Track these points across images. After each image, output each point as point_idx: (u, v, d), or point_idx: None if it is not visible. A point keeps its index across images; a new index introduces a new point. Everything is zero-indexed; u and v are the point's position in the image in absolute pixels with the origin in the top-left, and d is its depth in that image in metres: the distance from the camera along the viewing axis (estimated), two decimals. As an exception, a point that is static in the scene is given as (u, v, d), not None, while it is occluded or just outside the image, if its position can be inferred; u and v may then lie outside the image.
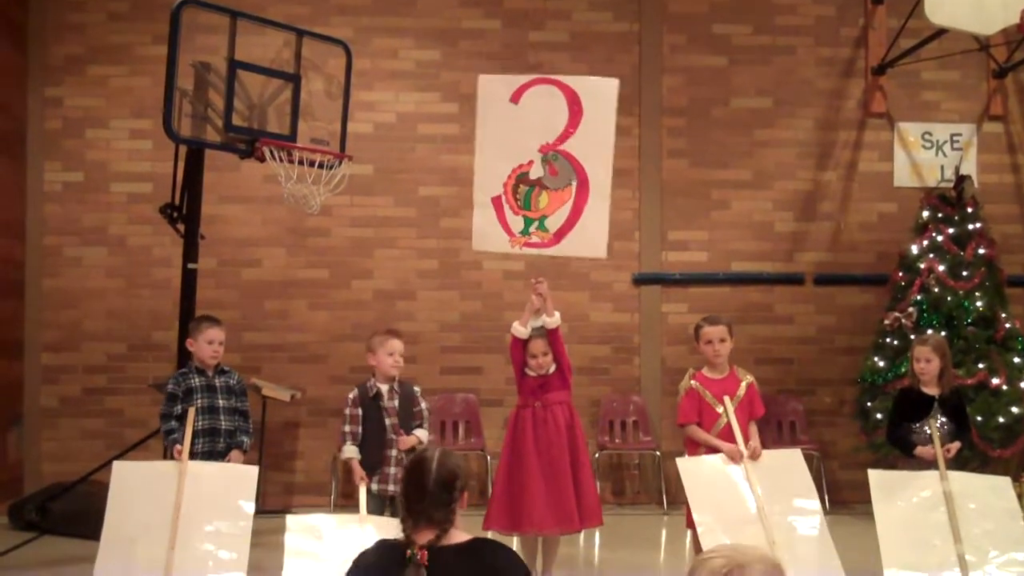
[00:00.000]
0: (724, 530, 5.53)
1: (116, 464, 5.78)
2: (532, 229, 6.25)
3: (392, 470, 6.10)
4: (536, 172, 6.22)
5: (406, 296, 9.70)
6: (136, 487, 5.64)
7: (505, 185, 6.22)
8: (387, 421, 6.19)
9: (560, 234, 6.25)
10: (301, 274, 9.76)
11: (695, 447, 6.18)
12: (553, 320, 6.36)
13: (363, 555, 3.31)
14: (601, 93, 6.26)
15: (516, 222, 6.25)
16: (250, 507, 5.69)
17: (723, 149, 10.07)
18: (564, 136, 6.19)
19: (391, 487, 6.06)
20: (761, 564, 2.48)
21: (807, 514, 5.78)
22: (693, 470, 5.95)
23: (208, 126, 8.01)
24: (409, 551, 3.13)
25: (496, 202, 6.24)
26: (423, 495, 3.23)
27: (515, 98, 6.22)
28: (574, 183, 6.21)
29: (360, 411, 6.21)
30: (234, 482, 5.77)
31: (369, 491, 6.05)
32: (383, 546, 3.30)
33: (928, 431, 6.15)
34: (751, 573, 2.44)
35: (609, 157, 6.27)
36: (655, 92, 9.96)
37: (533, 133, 6.20)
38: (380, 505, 6.08)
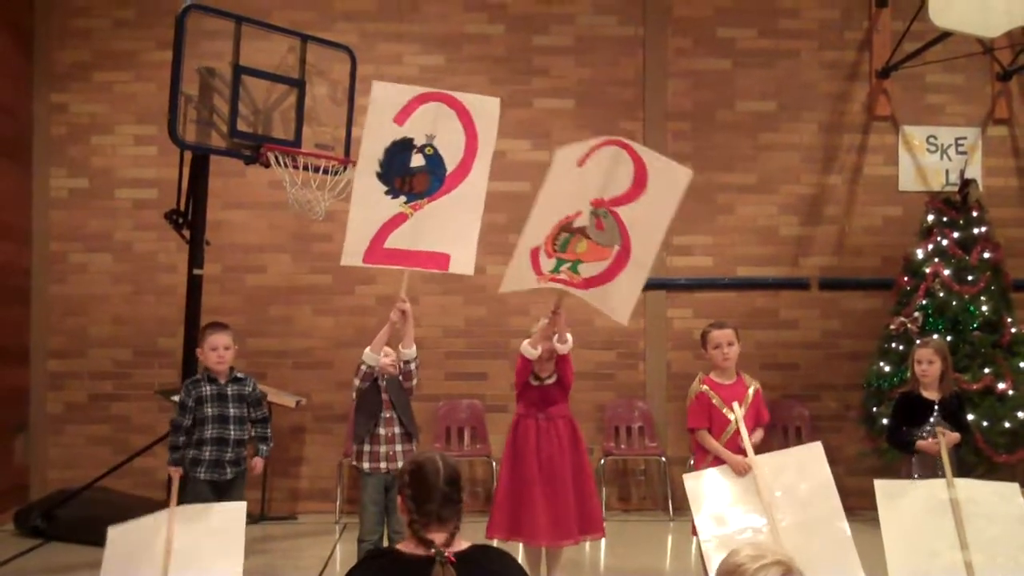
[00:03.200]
0: (730, 544, 5.47)
1: (110, 531, 5.66)
2: (563, 268, 6.01)
3: (383, 448, 6.27)
4: (581, 222, 5.93)
5: (410, 302, 9.65)
6: (130, 547, 5.60)
7: (547, 237, 5.90)
8: (382, 396, 6.34)
9: (590, 283, 6.04)
10: (306, 280, 9.77)
11: (703, 453, 6.15)
12: (565, 347, 6.29)
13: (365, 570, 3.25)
14: (671, 179, 5.97)
15: (548, 264, 5.99)
16: (240, 545, 5.62)
17: (728, 153, 10.07)
18: (621, 201, 5.91)
19: (383, 464, 6.26)
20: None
21: (825, 515, 5.73)
22: (699, 488, 5.86)
23: (213, 132, 8.02)
24: (435, 551, 3.11)
25: (534, 252, 5.93)
26: (432, 495, 3.21)
27: (582, 161, 5.79)
28: (616, 247, 5.97)
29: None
30: (225, 521, 5.71)
31: (365, 472, 6.28)
32: (396, 560, 3.23)
33: (932, 436, 6.14)
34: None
35: (659, 240, 6.04)
36: (660, 96, 9.96)
37: (589, 188, 5.89)
38: (381, 484, 6.24)
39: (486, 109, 6.11)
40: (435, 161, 6.03)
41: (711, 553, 5.54)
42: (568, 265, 6.03)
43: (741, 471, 5.84)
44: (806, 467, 5.91)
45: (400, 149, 6.00)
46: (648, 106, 9.92)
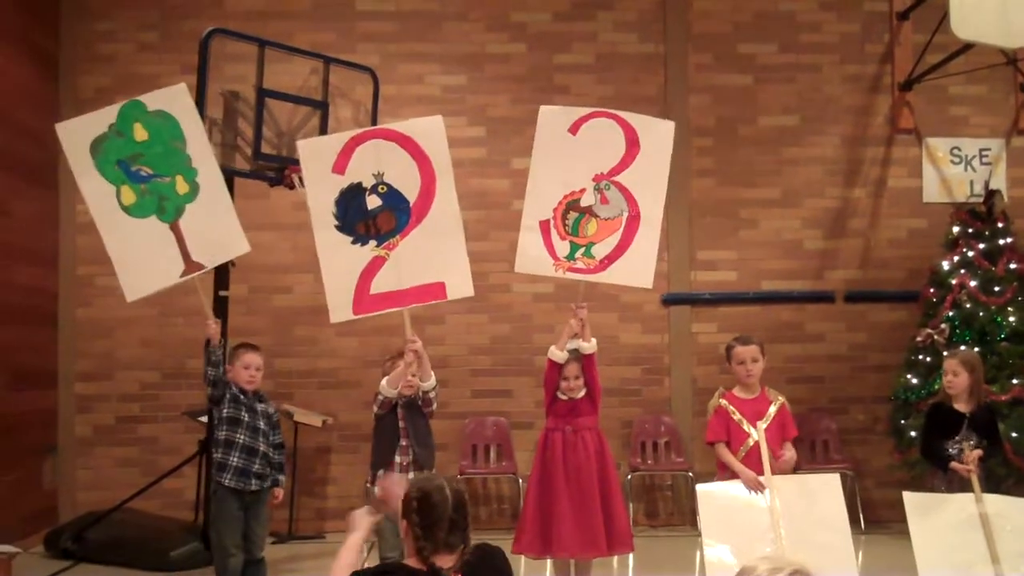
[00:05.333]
0: (734, 555, 5.47)
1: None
2: (578, 255, 6.13)
3: (398, 475, 6.23)
4: (588, 200, 6.11)
5: (435, 320, 9.69)
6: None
7: (555, 211, 6.11)
8: (399, 424, 6.30)
9: (607, 262, 6.15)
10: (331, 300, 9.77)
11: (724, 467, 6.14)
12: (589, 346, 6.31)
13: None
14: (659, 133, 6.18)
15: (562, 247, 6.14)
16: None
17: (751, 168, 10.06)
18: (619, 168, 6.09)
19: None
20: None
21: (833, 540, 5.69)
22: (711, 496, 5.88)
23: (237, 154, 8.08)
24: None
25: (544, 226, 6.11)
26: (441, 524, 3.22)
27: (573, 129, 6.07)
28: (625, 214, 6.12)
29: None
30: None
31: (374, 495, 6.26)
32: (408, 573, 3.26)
33: (959, 452, 6.09)
34: None
35: (662, 193, 6.20)
36: (682, 112, 9.95)
37: (588, 162, 6.10)
38: None
39: (428, 129, 6.04)
40: (393, 197, 5.98)
41: (711, 559, 5.56)
42: (582, 251, 6.15)
43: (753, 487, 5.82)
44: (820, 496, 5.86)
45: (351, 196, 5.97)
46: (670, 122, 9.91)
